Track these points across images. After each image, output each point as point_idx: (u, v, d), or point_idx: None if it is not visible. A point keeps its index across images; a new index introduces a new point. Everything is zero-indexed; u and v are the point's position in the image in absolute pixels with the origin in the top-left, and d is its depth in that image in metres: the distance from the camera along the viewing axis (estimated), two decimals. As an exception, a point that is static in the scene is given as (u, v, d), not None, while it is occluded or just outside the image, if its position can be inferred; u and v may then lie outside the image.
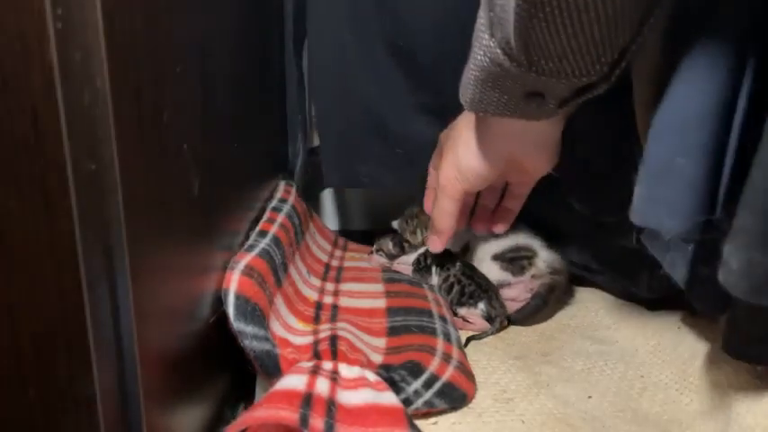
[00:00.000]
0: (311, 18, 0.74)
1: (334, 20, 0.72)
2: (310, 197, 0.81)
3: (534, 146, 0.52)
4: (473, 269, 0.67)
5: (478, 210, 0.66)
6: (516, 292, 0.66)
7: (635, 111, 0.44)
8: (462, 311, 0.63)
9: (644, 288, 0.63)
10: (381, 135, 0.74)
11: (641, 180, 0.38)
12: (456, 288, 0.65)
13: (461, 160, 0.55)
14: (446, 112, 0.69)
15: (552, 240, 0.69)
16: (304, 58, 0.78)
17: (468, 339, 0.59)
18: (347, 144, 0.76)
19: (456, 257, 0.71)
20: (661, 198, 0.37)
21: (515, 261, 0.66)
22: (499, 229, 0.65)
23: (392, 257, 0.77)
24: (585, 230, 0.68)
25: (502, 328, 0.63)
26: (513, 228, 0.70)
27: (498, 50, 0.39)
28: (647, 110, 0.40)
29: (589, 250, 0.70)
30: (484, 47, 0.40)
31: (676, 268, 0.41)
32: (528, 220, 0.70)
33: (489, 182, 0.56)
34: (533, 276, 0.65)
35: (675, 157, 0.35)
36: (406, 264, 0.74)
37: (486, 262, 0.68)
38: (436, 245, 0.63)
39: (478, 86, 0.43)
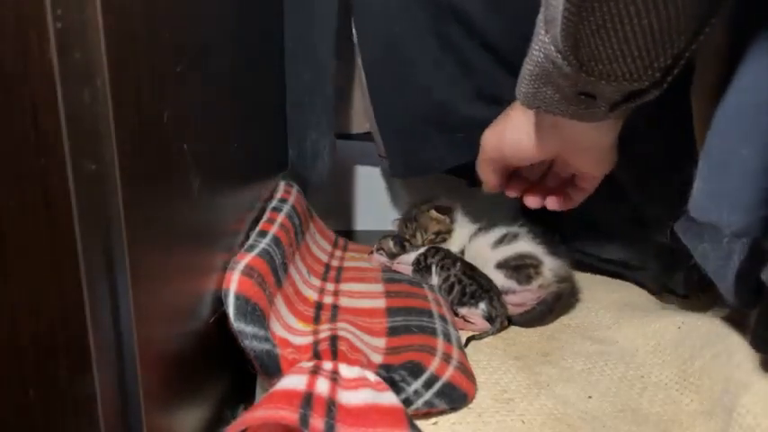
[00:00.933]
0: (358, 16, 0.74)
1: (382, 15, 0.72)
2: (312, 198, 0.80)
3: (581, 148, 0.52)
4: (473, 269, 0.67)
5: (536, 187, 0.64)
6: (522, 299, 0.66)
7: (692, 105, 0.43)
8: (463, 311, 0.63)
9: (680, 284, 0.63)
10: (442, 122, 0.75)
11: (701, 173, 0.37)
12: (457, 288, 0.65)
13: (506, 134, 0.55)
14: (502, 96, 0.69)
15: (592, 237, 0.70)
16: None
17: (469, 339, 0.59)
18: (409, 135, 0.77)
19: (456, 257, 0.71)
20: (722, 191, 0.36)
21: (521, 269, 0.66)
22: (551, 204, 0.62)
23: (393, 256, 0.77)
24: (626, 228, 0.69)
25: (502, 328, 0.63)
26: (513, 236, 0.70)
27: (552, 47, 0.39)
28: (705, 103, 0.39)
29: (630, 247, 0.70)
30: (539, 42, 0.40)
31: (708, 260, 0.41)
32: (569, 215, 0.70)
33: (526, 163, 0.57)
34: (540, 286, 0.65)
35: (739, 148, 0.34)
36: (406, 263, 0.74)
37: (488, 270, 0.68)
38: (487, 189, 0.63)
39: (533, 81, 0.43)
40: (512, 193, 0.63)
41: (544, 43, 0.39)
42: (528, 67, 0.43)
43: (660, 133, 0.58)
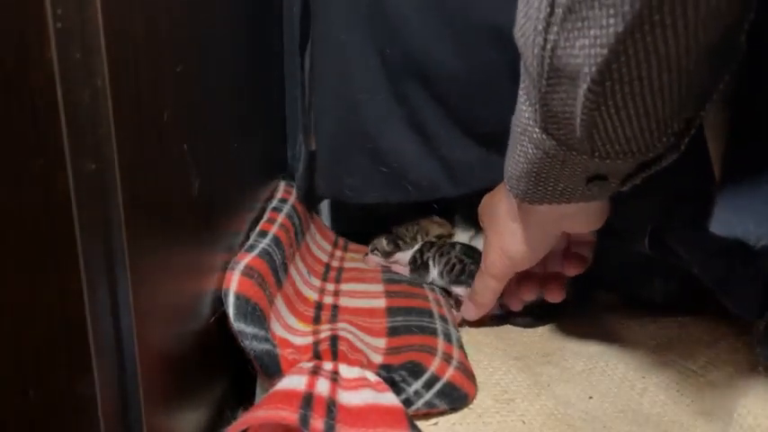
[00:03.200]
0: (315, 17, 0.71)
1: (334, 20, 0.69)
2: (314, 200, 0.80)
3: (586, 217, 0.49)
4: (474, 250, 0.67)
5: (547, 276, 0.59)
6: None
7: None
8: (458, 290, 0.63)
9: (658, 294, 0.62)
10: (368, 148, 0.70)
11: (725, 188, 0.36)
12: (457, 267, 0.65)
13: (509, 247, 0.52)
14: (433, 133, 0.65)
15: None
16: (306, 58, 0.77)
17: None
18: (337, 153, 0.73)
19: (455, 242, 0.70)
20: (748, 205, 0.34)
21: None
22: (572, 271, 0.57)
23: (387, 255, 0.76)
24: (598, 237, 0.67)
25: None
26: None
27: (553, 142, 0.37)
28: (716, 112, 0.38)
29: (601, 257, 0.69)
30: (534, 140, 0.38)
31: (710, 271, 0.40)
32: None
33: (538, 260, 0.54)
34: None
35: (766, 159, 0.33)
36: (402, 262, 0.74)
37: None
38: (471, 314, 0.60)
39: (531, 179, 0.41)
40: (528, 294, 0.58)
41: (541, 141, 0.37)
42: (523, 167, 0.41)
43: None
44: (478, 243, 0.73)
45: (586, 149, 0.36)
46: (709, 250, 0.46)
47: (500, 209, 0.53)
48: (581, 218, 0.49)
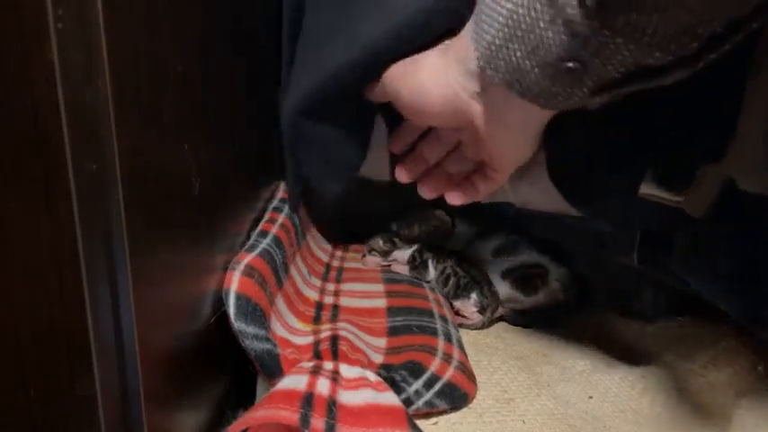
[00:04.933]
0: None
1: None
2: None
3: (505, 123, 0.38)
4: (468, 262, 0.67)
5: (434, 172, 0.50)
6: (527, 306, 0.66)
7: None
8: (457, 304, 0.64)
9: (648, 306, 0.61)
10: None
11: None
12: (452, 280, 0.65)
13: (412, 74, 0.41)
14: None
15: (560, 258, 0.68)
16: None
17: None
18: None
19: (450, 251, 0.71)
20: None
21: (527, 280, 0.66)
22: (452, 199, 0.47)
23: (385, 254, 0.76)
24: (587, 249, 0.66)
25: (493, 320, 0.63)
26: (517, 248, 0.70)
27: None
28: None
29: (590, 269, 0.68)
30: None
31: (707, 287, 0.39)
32: (530, 239, 0.69)
33: (422, 122, 0.45)
34: (546, 295, 0.65)
35: None
36: (401, 261, 0.74)
37: (493, 277, 0.67)
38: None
39: (499, 33, 0.32)
40: (403, 176, 0.49)
41: None
42: (500, 10, 0.31)
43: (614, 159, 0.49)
44: (479, 249, 0.74)
45: (591, 4, 0.27)
46: (713, 271, 0.45)
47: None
48: (503, 120, 0.38)
